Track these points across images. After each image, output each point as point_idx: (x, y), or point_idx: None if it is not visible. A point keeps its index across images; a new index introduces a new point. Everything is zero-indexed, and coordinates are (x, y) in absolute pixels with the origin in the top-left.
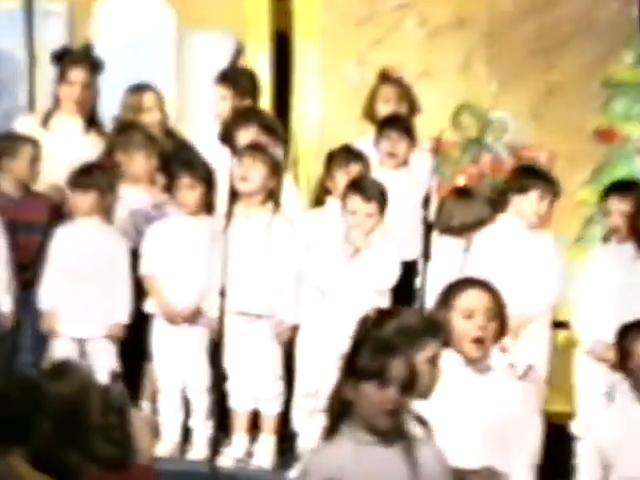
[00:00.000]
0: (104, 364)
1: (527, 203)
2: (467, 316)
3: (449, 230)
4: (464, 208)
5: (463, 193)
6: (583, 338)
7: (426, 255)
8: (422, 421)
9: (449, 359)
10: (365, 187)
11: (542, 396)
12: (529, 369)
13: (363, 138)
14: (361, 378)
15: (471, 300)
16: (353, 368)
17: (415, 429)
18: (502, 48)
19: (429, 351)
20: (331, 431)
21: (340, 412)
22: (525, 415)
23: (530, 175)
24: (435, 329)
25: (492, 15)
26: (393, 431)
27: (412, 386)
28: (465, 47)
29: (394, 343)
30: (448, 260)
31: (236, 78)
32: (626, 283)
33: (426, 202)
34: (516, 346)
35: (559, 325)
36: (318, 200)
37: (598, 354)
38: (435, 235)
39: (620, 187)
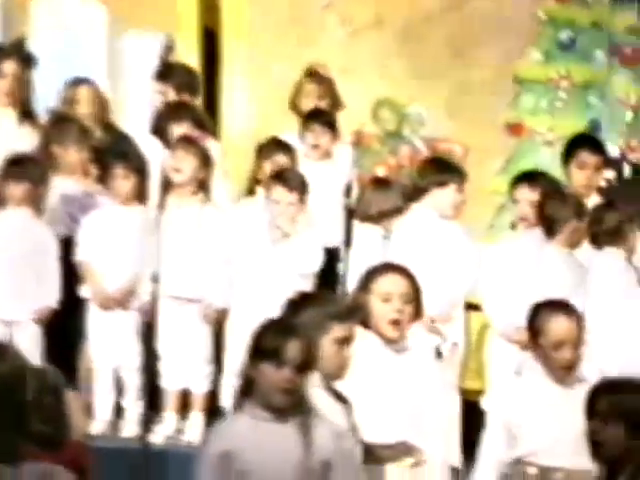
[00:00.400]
0: (30, 346)
1: (445, 196)
2: (385, 299)
3: (368, 218)
4: (382, 197)
5: (381, 183)
6: (494, 321)
7: (347, 242)
8: (342, 398)
9: (368, 340)
10: (287, 178)
11: (458, 374)
12: (454, 347)
13: (289, 131)
14: (260, 358)
15: (389, 284)
16: (255, 348)
17: (316, 407)
18: (418, 46)
19: (335, 333)
20: (235, 408)
21: (243, 390)
22: (441, 392)
23: (447, 169)
24: (342, 312)
25: (409, 15)
26: (290, 408)
27: (309, 366)
28: (384, 45)
29: (292, 325)
30: (368, 246)
31: (173, 74)
32: (534, 268)
33: (348, 191)
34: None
35: (471, 307)
36: (250, 190)
37: (509, 336)
38: (356, 223)
39: (528, 177)
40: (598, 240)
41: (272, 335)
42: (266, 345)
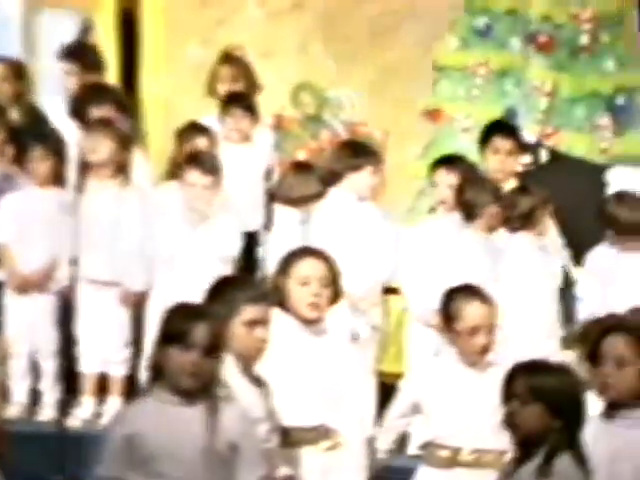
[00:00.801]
0: None
1: (361, 179)
2: (303, 283)
3: (289, 201)
4: (303, 181)
5: (302, 167)
6: (413, 305)
7: (268, 226)
8: (260, 382)
9: (286, 323)
10: (201, 161)
11: (376, 357)
12: (372, 330)
13: (208, 114)
14: (168, 342)
15: (307, 268)
16: (164, 332)
17: (227, 390)
18: (338, 30)
19: (246, 315)
20: (145, 392)
21: (152, 374)
22: (359, 375)
23: (361, 152)
24: (253, 294)
25: None
26: (197, 392)
27: (218, 350)
28: (303, 28)
29: (200, 308)
30: (287, 230)
31: (79, 53)
32: (452, 252)
33: (268, 175)
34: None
35: (391, 291)
36: (172, 173)
37: (427, 320)
38: (276, 207)
39: (447, 161)
40: (511, 224)
41: (179, 319)
42: (174, 329)
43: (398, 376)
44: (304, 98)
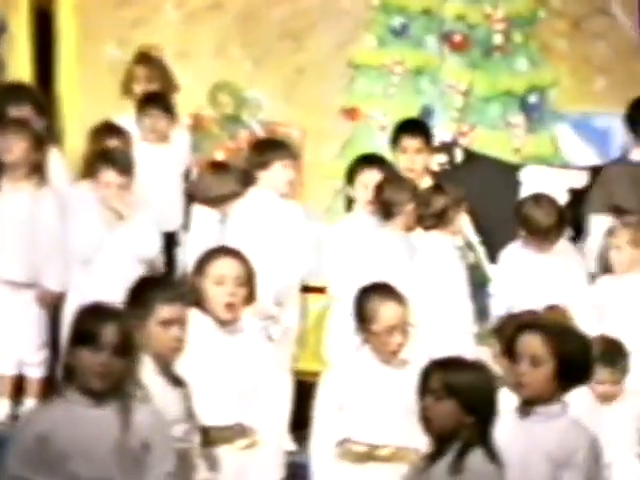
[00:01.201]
0: None
1: (273, 175)
2: (219, 283)
3: (206, 201)
4: (220, 181)
5: (219, 167)
6: (341, 302)
7: (186, 225)
8: (180, 382)
9: (201, 322)
10: (116, 160)
11: (293, 356)
12: (286, 331)
13: (125, 114)
14: (79, 343)
15: (222, 268)
16: (74, 334)
17: (142, 390)
18: (255, 31)
19: (161, 314)
20: (59, 394)
21: (64, 376)
22: (275, 373)
23: (267, 149)
24: (167, 294)
25: (246, 0)
26: (107, 393)
27: (129, 351)
28: (221, 29)
29: (109, 309)
30: (205, 230)
31: None
32: (370, 249)
33: (187, 175)
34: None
35: (309, 289)
36: (85, 173)
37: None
38: (194, 207)
39: (366, 160)
40: (425, 223)
41: (89, 320)
42: (83, 330)
43: (316, 374)
44: (222, 98)
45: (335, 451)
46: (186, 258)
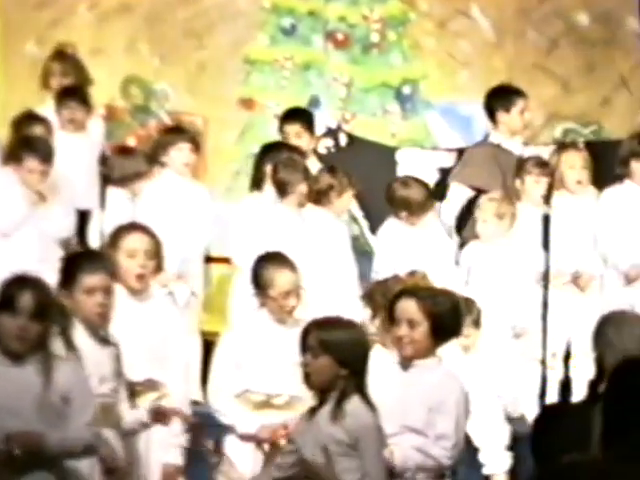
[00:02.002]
0: None
1: (176, 157)
2: (130, 255)
3: (114, 182)
4: (125, 163)
5: (125, 150)
6: (245, 272)
7: (103, 205)
8: (109, 343)
9: (116, 291)
10: (39, 148)
11: (200, 319)
12: (192, 297)
13: (45, 106)
14: (1, 309)
15: (134, 242)
16: None
17: (69, 350)
18: (162, 30)
19: (85, 283)
20: None
21: None
22: (182, 334)
23: (171, 133)
24: (90, 265)
25: (153, 2)
26: (26, 353)
27: (46, 315)
28: (130, 29)
29: (28, 277)
30: (118, 208)
31: None
32: (269, 225)
33: (103, 160)
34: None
35: (211, 260)
36: (12, 159)
37: None
38: (108, 188)
39: (268, 146)
40: (313, 200)
41: (9, 287)
42: (3, 296)
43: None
44: (132, 90)
45: (236, 400)
46: (104, 234)
